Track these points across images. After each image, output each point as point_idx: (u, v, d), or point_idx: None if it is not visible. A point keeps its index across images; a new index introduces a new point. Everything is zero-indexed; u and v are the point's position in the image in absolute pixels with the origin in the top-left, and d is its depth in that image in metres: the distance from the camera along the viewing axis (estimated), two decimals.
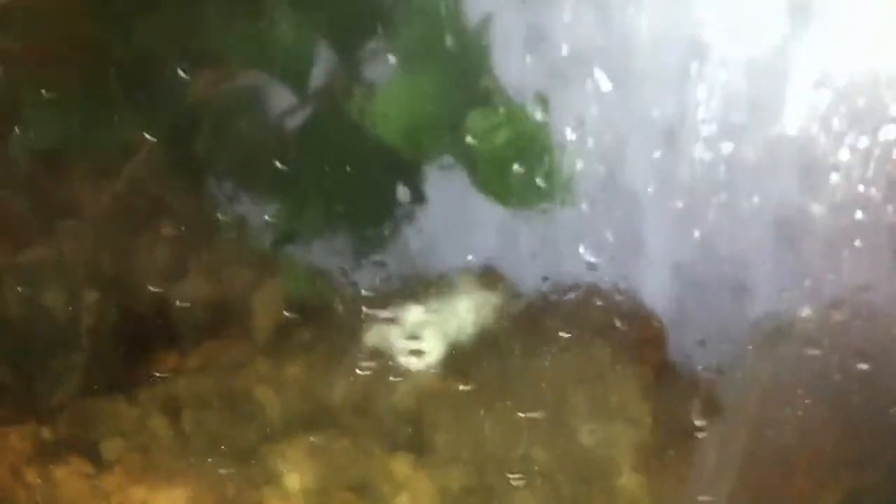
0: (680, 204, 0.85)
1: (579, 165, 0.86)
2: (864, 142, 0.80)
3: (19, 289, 0.84)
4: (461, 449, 0.78)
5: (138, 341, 0.86)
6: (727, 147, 0.84)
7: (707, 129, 0.84)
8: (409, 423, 0.79)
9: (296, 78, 0.87)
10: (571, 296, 0.87)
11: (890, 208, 0.80)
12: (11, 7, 0.83)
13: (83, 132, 0.86)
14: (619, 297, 0.88)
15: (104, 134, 0.87)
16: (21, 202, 0.86)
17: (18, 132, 0.84)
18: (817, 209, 0.82)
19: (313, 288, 0.90)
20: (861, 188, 0.80)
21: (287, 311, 0.89)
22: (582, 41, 0.85)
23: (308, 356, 0.83)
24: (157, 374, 0.81)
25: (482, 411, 0.81)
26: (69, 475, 0.70)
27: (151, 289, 0.89)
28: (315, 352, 0.84)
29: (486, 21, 0.86)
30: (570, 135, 0.86)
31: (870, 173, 0.80)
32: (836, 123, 0.80)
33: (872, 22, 0.78)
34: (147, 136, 0.87)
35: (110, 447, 0.73)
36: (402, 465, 0.75)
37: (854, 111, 0.79)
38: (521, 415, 0.81)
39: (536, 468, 0.78)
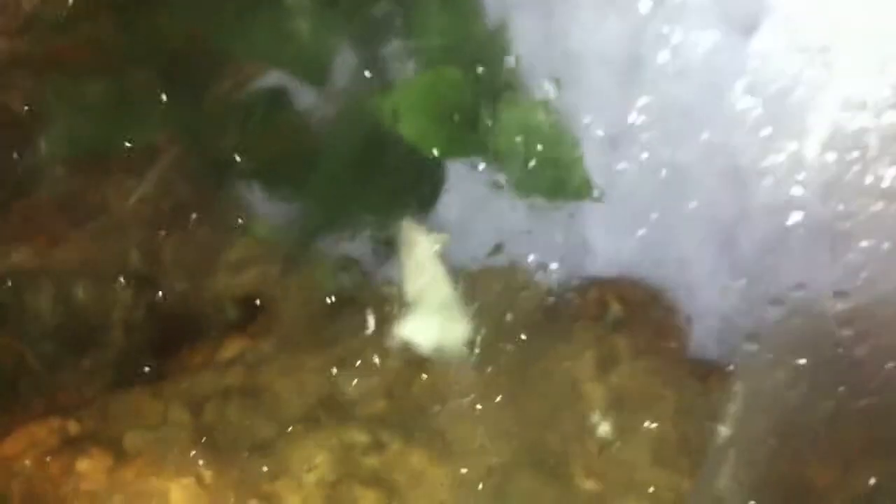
0: (703, 196, 0.85)
1: (601, 159, 0.86)
2: None
3: (49, 285, 0.87)
4: (478, 442, 0.78)
5: (167, 337, 0.88)
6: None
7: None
8: (426, 416, 0.79)
9: (315, 76, 0.89)
10: (592, 288, 0.87)
11: None
12: (36, 14, 0.85)
13: (111, 133, 0.88)
14: (639, 290, 0.88)
15: (131, 134, 0.89)
16: (52, 201, 0.88)
17: (49, 134, 0.87)
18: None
19: (337, 282, 0.91)
20: None
21: (312, 304, 0.90)
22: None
23: (331, 349, 0.84)
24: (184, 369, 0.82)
25: (500, 405, 0.81)
26: (90, 467, 0.72)
27: (180, 285, 0.91)
28: (338, 345, 0.85)
29: (507, 16, 0.86)
30: (592, 129, 0.86)
31: None
32: None
33: None
34: (173, 134, 0.89)
35: (132, 440, 0.75)
36: (418, 459, 0.76)
37: None
38: (538, 409, 0.81)
39: (553, 461, 0.79)
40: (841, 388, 0.78)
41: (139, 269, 0.90)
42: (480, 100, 0.86)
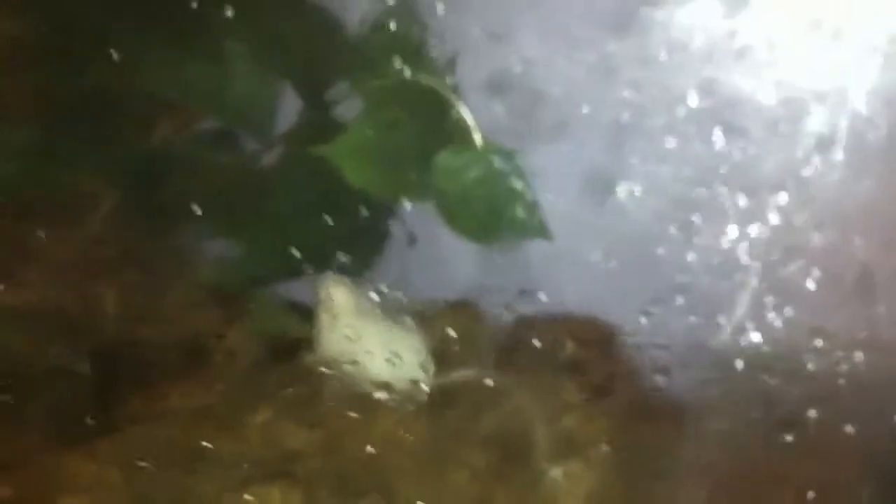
0: (651, 235, 0.84)
1: (548, 202, 0.85)
2: None
3: None
4: (423, 497, 0.76)
5: (108, 386, 0.86)
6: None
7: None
8: (370, 470, 0.78)
9: (257, 124, 0.87)
10: (547, 328, 0.86)
11: None
12: None
13: (46, 179, 0.86)
14: (588, 331, 0.87)
15: (67, 180, 0.87)
16: None
17: None
18: None
19: (284, 328, 0.90)
20: None
21: (258, 350, 0.88)
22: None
23: (275, 399, 0.83)
24: (120, 424, 0.80)
25: (449, 458, 0.79)
26: None
27: (122, 332, 0.89)
28: (282, 394, 0.83)
29: (454, 61, 0.85)
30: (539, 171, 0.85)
31: None
32: None
33: None
34: (110, 182, 0.87)
35: None
36: None
37: None
38: (485, 458, 0.80)
39: None
40: (793, 432, 0.78)
41: (80, 316, 0.88)
42: (428, 143, 0.85)
